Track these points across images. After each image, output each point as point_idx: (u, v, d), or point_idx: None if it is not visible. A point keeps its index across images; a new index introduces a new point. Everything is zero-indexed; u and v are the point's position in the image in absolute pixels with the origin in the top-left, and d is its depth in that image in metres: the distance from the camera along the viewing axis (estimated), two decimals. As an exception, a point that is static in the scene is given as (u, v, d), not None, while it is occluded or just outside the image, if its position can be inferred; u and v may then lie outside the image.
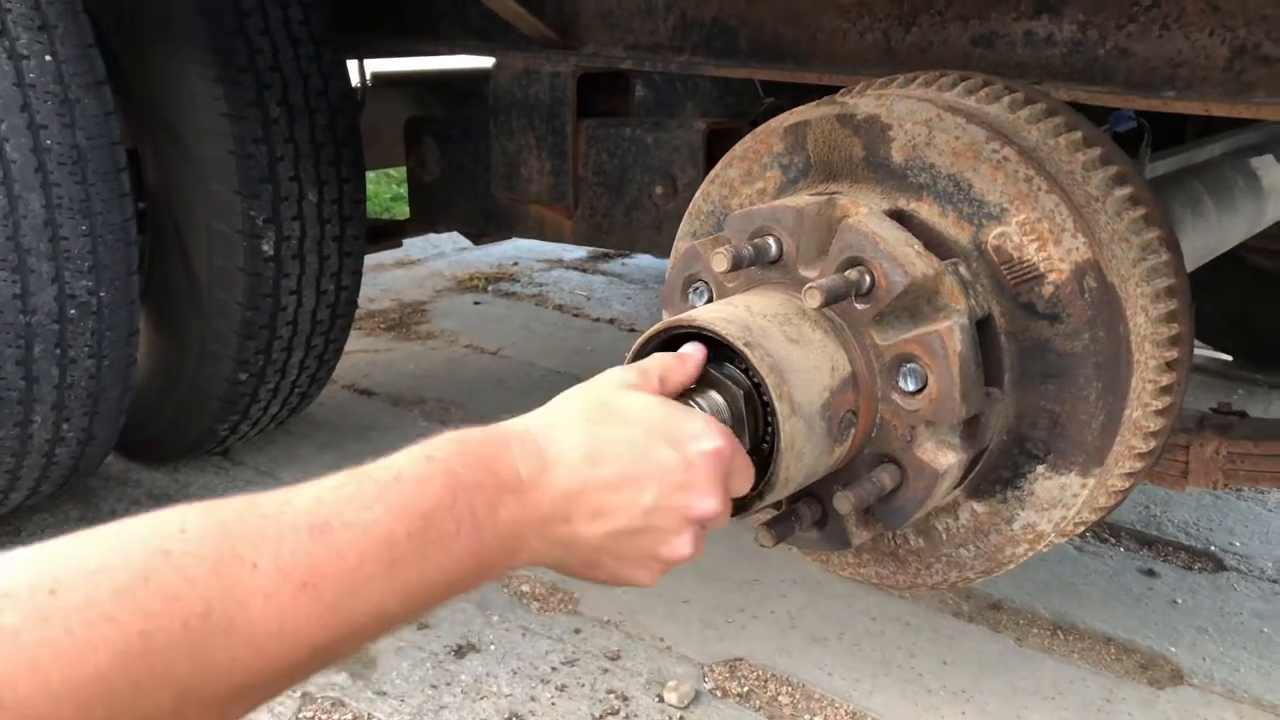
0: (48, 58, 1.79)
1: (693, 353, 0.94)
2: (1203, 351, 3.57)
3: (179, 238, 2.23)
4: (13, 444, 1.95)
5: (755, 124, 2.17)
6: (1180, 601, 2.27)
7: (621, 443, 0.80)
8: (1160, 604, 2.27)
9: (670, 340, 1.02)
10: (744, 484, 0.90)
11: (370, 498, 0.68)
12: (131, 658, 0.56)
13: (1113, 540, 2.50)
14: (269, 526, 0.64)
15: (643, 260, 4.68)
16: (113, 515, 2.41)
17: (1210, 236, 1.98)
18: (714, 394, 0.95)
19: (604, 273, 4.65)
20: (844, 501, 1.04)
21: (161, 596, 0.58)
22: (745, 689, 1.94)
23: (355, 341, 3.54)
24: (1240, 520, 2.61)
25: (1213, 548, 2.49)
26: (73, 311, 1.89)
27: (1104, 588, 2.31)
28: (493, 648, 2.03)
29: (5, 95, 1.76)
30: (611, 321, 4.02)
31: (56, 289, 1.86)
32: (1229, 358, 3.60)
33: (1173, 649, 2.10)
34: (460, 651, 2.02)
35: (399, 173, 5.07)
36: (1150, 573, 2.38)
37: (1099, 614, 2.21)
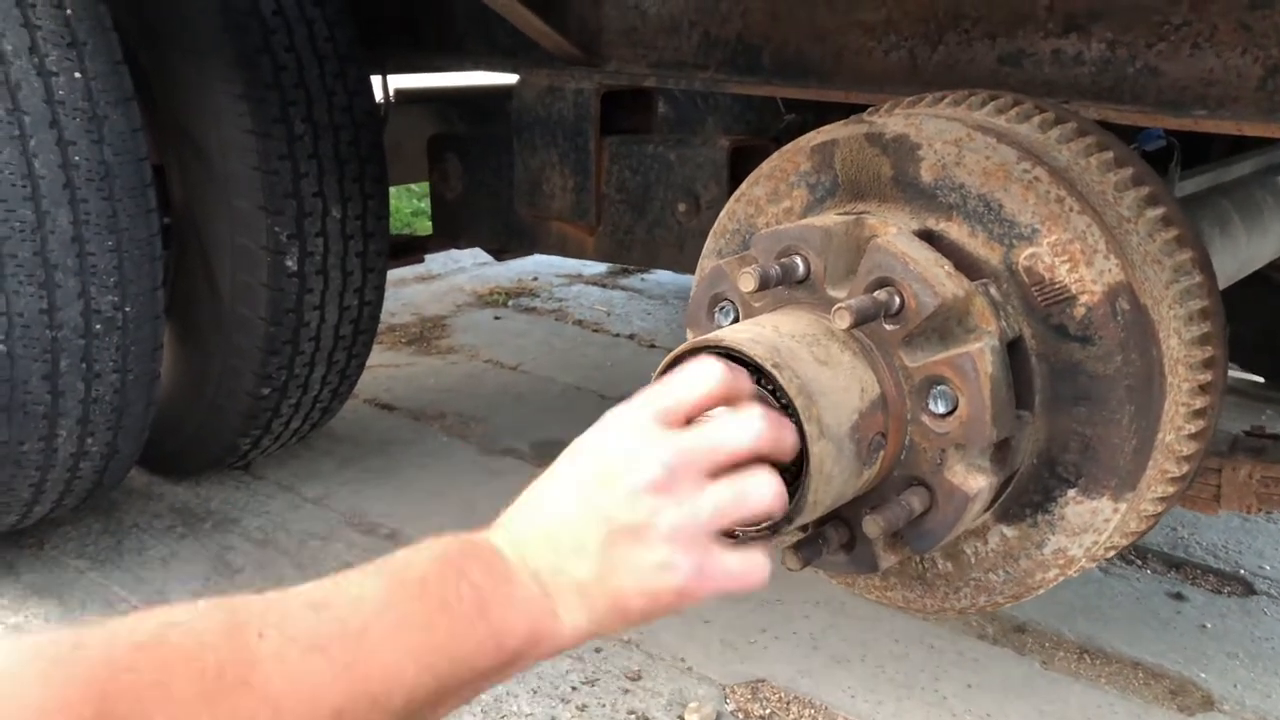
0: (77, 74, 1.81)
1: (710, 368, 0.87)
2: (1232, 373, 3.53)
3: (203, 253, 2.24)
4: (38, 457, 1.96)
5: (778, 140, 2.18)
6: (1209, 626, 2.24)
7: (562, 481, 0.82)
8: (1189, 628, 2.23)
9: (696, 361, 1.01)
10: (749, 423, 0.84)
11: (362, 577, 0.71)
12: (152, 703, 0.58)
13: (1140, 563, 2.47)
14: (270, 605, 0.67)
15: (663, 276, 4.68)
16: (135, 528, 2.44)
17: (1239, 256, 1.96)
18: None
19: (624, 288, 4.65)
20: (873, 525, 1.02)
21: (177, 653, 0.61)
22: (767, 711, 1.92)
23: (376, 356, 3.54)
24: (1270, 543, 2.57)
25: (1242, 571, 2.45)
26: (98, 326, 1.90)
27: (1131, 611, 2.28)
28: (512, 666, 2.02)
29: (35, 111, 1.77)
30: (631, 337, 4.02)
31: (83, 304, 1.87)
32: (1259, 379, 3.56)
33: (1202, 674, 2.07)
34: (480, 669, 2.00)
35: (420, 187, 5.09)
36: (1179, 596, 2.35)
37: (1126, 638, 2.18)
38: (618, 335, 4.03)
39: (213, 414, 2.39)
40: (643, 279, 4.76)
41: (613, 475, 0.78)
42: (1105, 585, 2.37)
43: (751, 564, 0.81)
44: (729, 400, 0.85)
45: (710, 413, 0.86)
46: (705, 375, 0.84)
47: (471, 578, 0.74)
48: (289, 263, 2.18)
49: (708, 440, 0.80)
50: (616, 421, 0.82)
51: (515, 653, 0.75)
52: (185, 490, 2.62)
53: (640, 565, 0.77)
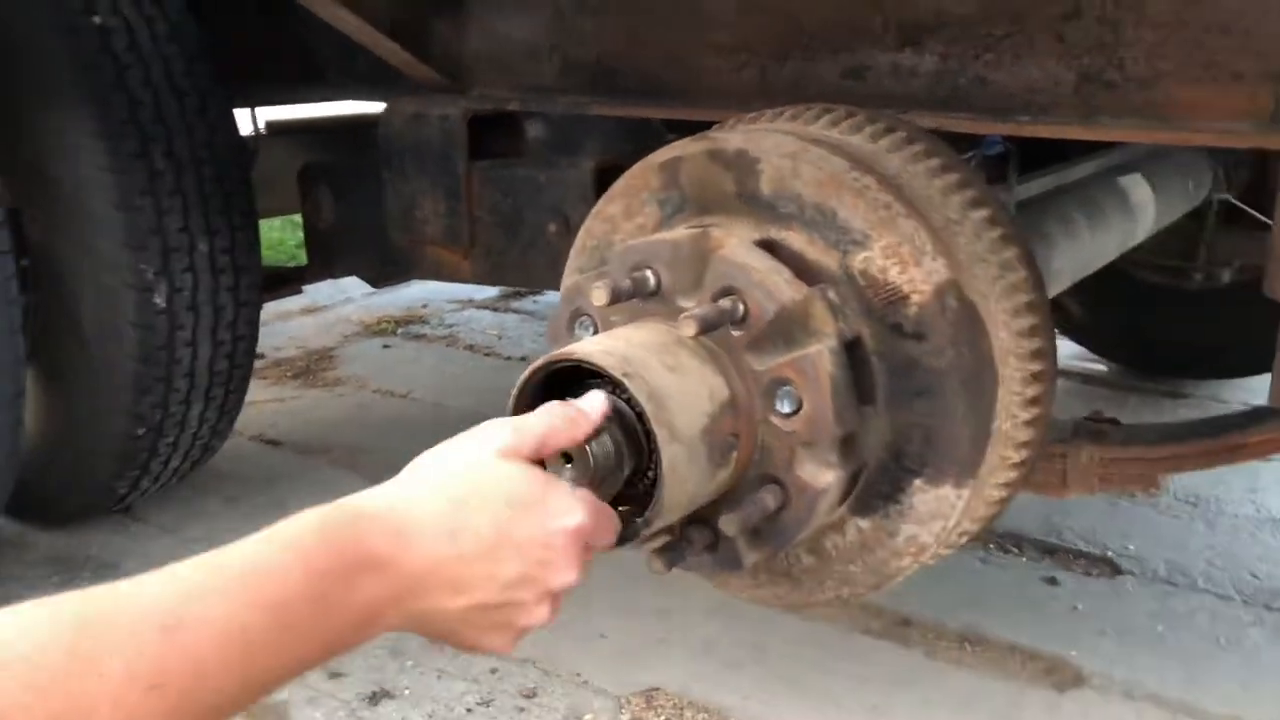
0: (-82, 116, 1.75)
1: (587, 411, 0.93)
2: (1083, 362, 3.71)
3: (65, 294, 2.18)
4: (-107, 514, 1.88)
5: (648, 159, 2.22)
6: (1080, 607, 2.35)
7: (483, 516, 0.80)
8: (1062, 610, 2.34)
9: (556, 375, 1.04)
10: (607, 539, 0.91)
11: (223, 591, 0.68)
12: None
13: (1016, 551, 2.57)
14: (119, 625, 0.64)
15: (554, 298, 4.67)
16: (9, 579, 2.34)
17: (1083, 253, 2.07)
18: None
19: (515, 311, 4.66)
20: (730, 523, 1.06)
21: (11, 704, 0.58)
22: (662, 717, 1.95)
23: (261, 391, 3.48)
24: (1134, 524, 2.71)
25: (1109, 553, 2.58)
26: (-47, 374, 1.83)
27: (1009, 598, 2.38)
28: (407, 693, 2.01)
29: (-127, 156, 1.71)
30: (524, 359, 4.02)
31: (-65, 352, 1.80)
32: (1104, 367, 3.74)
33: (1074, 653, 2.17)
34: (374, 699, 1.99)
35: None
36: (1052, 580, 2.45)
37: (1005, 624, 2.27)
38: (510, 358, 4.03)
39: (85, 458, 2.32)
40: (534, 301, 4.77)
41: (530, 506, 0.83)
42: (984, 575, 2.47)
43: (546, 622, 0.87)
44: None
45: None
46: (573, 420, 0.92)
47: (332, 600, 0.73)
48: (157, 299, 2.14)
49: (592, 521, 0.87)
50: (509, 465, 0.85)
51: (336, 655, 0.76)
52: (61, 538, 2.53)
53: (482, 639, 0.84)
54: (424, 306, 4.68)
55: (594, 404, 0.95)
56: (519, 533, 0.81)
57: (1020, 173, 1.86)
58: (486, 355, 4.08)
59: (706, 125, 1.88)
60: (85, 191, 2.05)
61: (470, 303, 4.74)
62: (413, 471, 0.84)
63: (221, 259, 2.22)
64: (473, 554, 0.80)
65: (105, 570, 2.41)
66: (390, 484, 0.83)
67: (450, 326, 4.42)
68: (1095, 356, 3.74)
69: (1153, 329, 3.51)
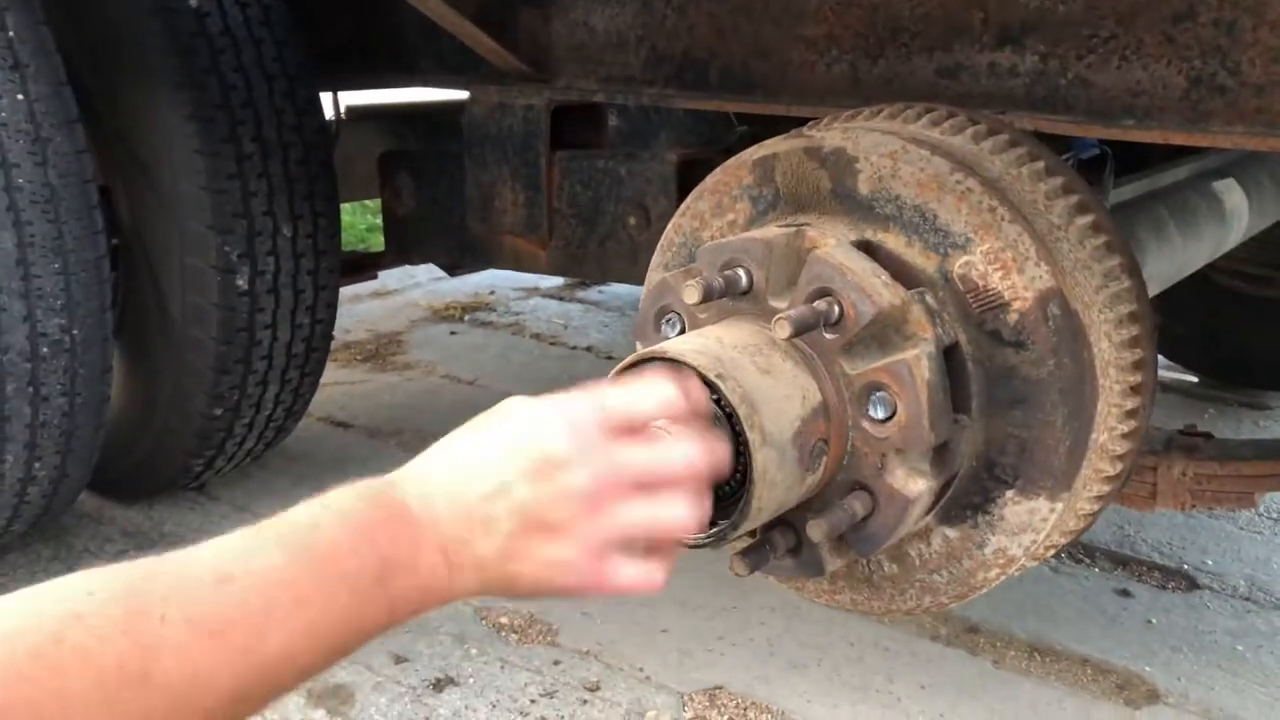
0: (19, 96, 1.79)
1: (657, 383, 0.88)
2: (1173, 373, 3.62)
3: (152, 274, 2.22)
4: (-15, 483, 1.94)
5: (729, 152, 2.20)
6: (1155, 621, 2.29)
7: (493, 448, 0.79)
8: (1135, 624, 2.28)
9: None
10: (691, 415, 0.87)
11: (271, 545, 0.70)
12: (50, 713, 0.58)
13: (1087, 561, 2.52)
14: (174, 581, 0.66)
15: (619, 288, 4.70)
16: (85, 553, 2.41)
17: (1175, 259, 2.01)
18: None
19: (580, 300, 4.66)
20: (817, 529, 1.05)
21: (75, 655, 0.60)
22: (725, 717, 1.94)
23: (331, 373, 3.52)
24: (1212, 539, 2.64)
25: (1186, 566, 2.51)
26: (45, 350, 1.88)
27: (1079, 608, 2.33)
28: (471, 681, 2.02)
29: (-24, 134, 1.76)
30: (588, 349, 4.03)
31: (29, 327, 1.85)
32: (1195, 379, 3.64)
33: (1148, 668, 2.12)
34: (439, 685, 2.00)
35: (374, 203, 5.07)
36: (1125, 593, 2.40)
37: (1075, 635, 2.22)
38: (575, 348, 4.04)
39: (165, 435, 2.37)
40: (600, 291, 4.78)
41: (545, 471, 0.78)
42: (1054, 584, 2.42)
43: (646, 578, 0.82)
44: (676, 418, 0.86)
45: (657, 425, 0.87)
46: (656, 391, 0.85)
47: (380, 548, 0.73)
48: (240, 282, 2.18)
49: (642, 462, 0.81)
50: (562, 414, 0.81)
51: (406, 616, 0.77)
52: (137, 513, 2.59)
53: (542, 559, 0.78)
54: (490, 293, 4.71)
55: (658, 374, 0.92)
56: (518, 449, 0.78)
57: (1115, 175, 1.81)
58: (552, 344, 4.10)
59: (784, 119, 1.86)
60: (175, 173, 2.09)
61: (536, 290, 4.76)
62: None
63: (303, 243, 2.25)
64: (488, 489, 0.77)
65: (179, 546, 2.46)
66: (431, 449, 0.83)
67: (516, 314, 4.44)
68: (1177, 365, 3.64)
69: (1234, 338, 3.41)
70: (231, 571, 0.67)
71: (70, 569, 2.26)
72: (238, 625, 0.66)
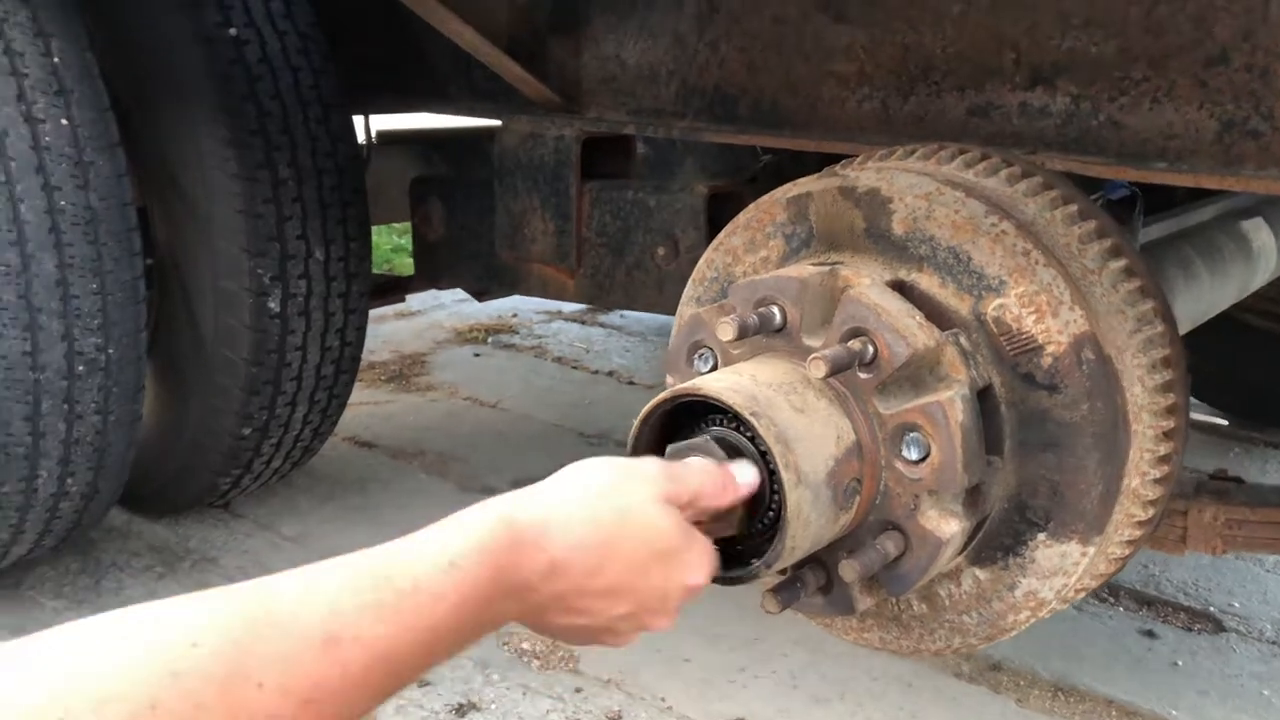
0: (63, 121, 1.83)
1: (740, 484, 0.96)
2: (1199, 413, 3.60)
3: (185, 295, 2.25)
4: (18, 498, 1.96)
5: (754, 182, 2.22)
6: (1181, 663, 2.27)
7: (622, 561, 0.83)
8: (1161, 666, 2.26)
9: (677, 408, 1.04)
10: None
11: (381, 612, 0.70)
12: None
13: (1112, 600, 2.50)
14: (281, 641, 0.65)
15: (640, 314, 4.72)
16: (113, 568, 2.43)
17: (1202, 300, 2.01)
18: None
19: (602, 325, 4.68)
20: (849, 569, 1.05)
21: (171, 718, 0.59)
22: (746, 750, 1.93)
23: (356, 393, 3.53)
24: (1239, 581, 2.61)
25: (1212, 609, 2.49)
26: (81, 368, 1.91)
27: (1104, 649, 2.31)
28: (493, 706, 2.02)
29: (21, 157, 1.79)
30: (610, 374, 4.04)
31: (66, 346, 1.88)
32: (1224, 421, 3.62)
33: (1174, 711, 2.10)
34: (461, 710, 2.01)
35: (400, 225, 5.12)
36: (1150, 634, 2.38)
37: (1100, 676, 2.20)
38: (596, 372, 4.06)
39: (193, 453, 2.39)
40: (621, 316, 4.79)
41: (669, 560, 0.86)
42: (1079, 623, 2.40)
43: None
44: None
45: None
46: (717, 490, 0.94)
47: (480, 620, 0.76)
48: (271, 304, 2.20)
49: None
50: (663, 514, 0.87)
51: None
52: (164, 529, 2.61)
53: (563, 634, 0.87)
54: (514, 316, 4.73)
55: (746, 476, 0.97)
56: (649, 582, 0.85)
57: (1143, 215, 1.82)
58: (574, 368, 4.11)
59: (815, 153, 1.87)
60: (211, 196, 2.12)
61: (558, 314, 4.77)
62: (572, 488, 0.85)
63: (335, 266, 2.27)
64: (601, 590, 0.83)
65: (204, 564, 2.48)
66: (551, 497, 0.84)
67: (539, 337, 4.46)
68: (1203, 404, 3.62)
69: (1262, 378, 3.39)
70: (340, 635, 0.67)
71: (98, 583, 2.26)
72: (335, 695, 0.67)
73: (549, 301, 4.80)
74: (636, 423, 1.05)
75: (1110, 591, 2.52)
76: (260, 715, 0.63)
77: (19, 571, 2.35)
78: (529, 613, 0.82)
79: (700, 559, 0.88)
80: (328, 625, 0.67)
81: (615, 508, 0.84)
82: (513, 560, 0.78)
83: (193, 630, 0.63)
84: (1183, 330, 1.95)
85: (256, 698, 0.63)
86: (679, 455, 1.00)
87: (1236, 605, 2.51)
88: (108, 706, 0.58)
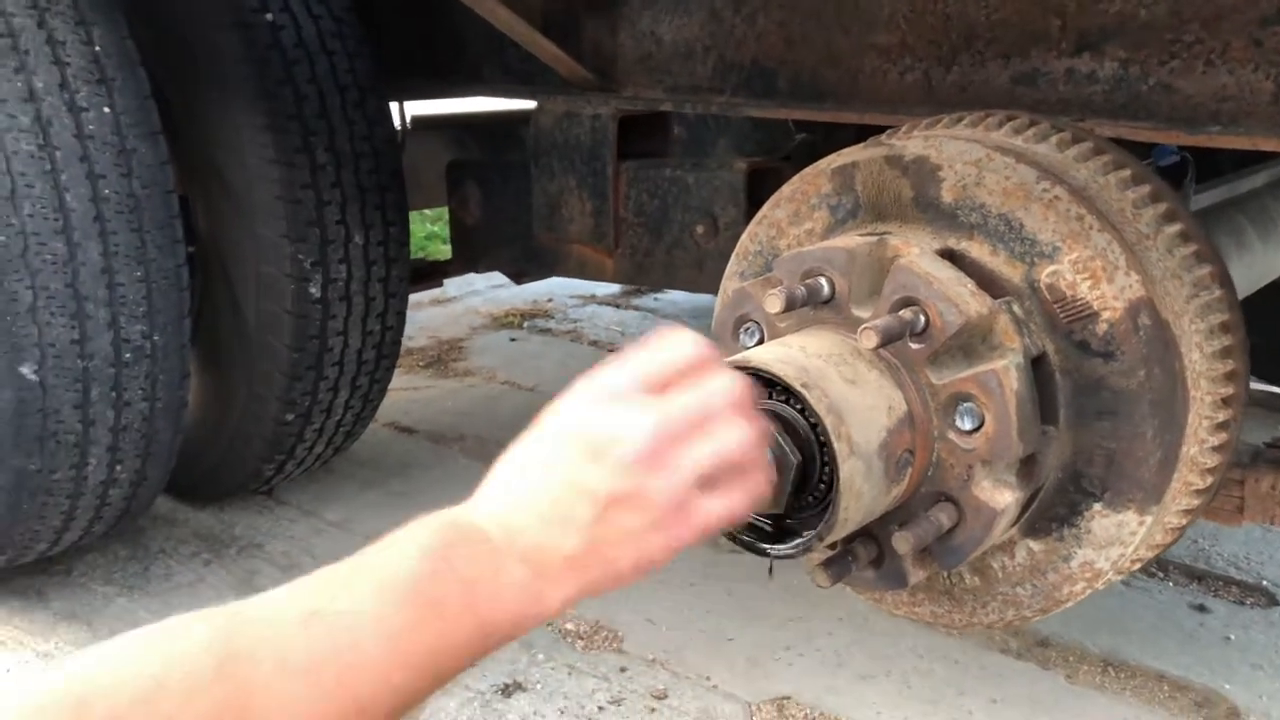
0: (106, 109, 1.84)
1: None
2: (1255, 384, 3.53)
3: (227, 281, 2.27)
4: (69, 485, 1.99)
5: (790, 159, 2.19)
6: (1233, 637, 2.24)
7: (543, 451, 0.79)
8: (1213, 640, 2.23)
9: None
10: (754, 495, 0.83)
11: (352, 581, 0.72)
12: None
13: (1162, 575, 2.47)
14: (264, 624, 0.68)
15: (676, 295, 4.70)
16: (161, 554, 2.46)
17: (1255, 268, 1.97)
18: (775, 435, 0.96)
19: (637, 308, 4.67)
20: (903, 541, 1.04)
21: (175, 702, 0.63)
22: (793, 728, 1.93)
23: (394, 379, 3.55)
24: (1291, 553, 2.57)
25: (1265, 582, 2.45)
26: (128, 355, 1.93)
27: (1154, 624, 2.28)
28: (539, 686, 2.03)
29: (65, 146, 1.81)
30: (647, 357, 4.03)
31: (113, 334, 1.90)
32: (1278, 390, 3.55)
33: (1228, 686, 2.07)
34: (507, 691, 2.02)
35: (433, 211, 5.13)
36: (1201, 608, 2.35)
37: (1150, 650, 2.18)
38: (633, 355, 4.05)
39: (238, 440, 2.41)
40: (655, 299, 4.78)
41: (600, 447, 0.77)
42: (1128, 598, 2.37)
43: (730, 509, 0.81)
44: (702, 368, 0.84)
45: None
46: (679, 343, 0.83)
47: (460, 570, 0.73)
48: (313, 290, 2.21)
49: (683, 404, 0.80)
50: (596, 389, 0.80)
51: (501, 639, 0.76)
52: (209, 516, 2.64)
53: (632, 531, 0.77)
54: (549, 300, 4.74)
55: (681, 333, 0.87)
56: (582, 426, 0.78)
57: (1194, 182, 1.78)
58: (610, 351, 4.09)
59: (849, 128, 1.85)
60: (251, 182, 2.13)
61: (593, 298, 4.77)
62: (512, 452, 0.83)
63: (374, 251, 2.28)
64: (553, 485, 0.77)
65: (250, 550, 2.51)
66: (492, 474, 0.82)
67: (574, 321, 4.46)
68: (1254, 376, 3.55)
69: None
70: (317, 609, 0.69)
71: (147, 569, 2.29)
72: (328, 663, 0.68)
73: (584, 285, 4.84)
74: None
75: (1160, 566, 2.49)
76: (263, 686, 0.66)
77: (70, 558, 2.39)
78: (514, 541, 0.75)
79: (632, 364, 0.80)
80: (303, 605, 0.70)
81: (536, 428, 0.81)
82: (453, 513, 0.77)
83: (186, 630, 0.68)
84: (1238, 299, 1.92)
85: (253, 671, 0.66)
86: None
87: (1290, 579, 2.47)
88: (119, 690, 0.63)
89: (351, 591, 0.71)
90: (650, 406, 0.79)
